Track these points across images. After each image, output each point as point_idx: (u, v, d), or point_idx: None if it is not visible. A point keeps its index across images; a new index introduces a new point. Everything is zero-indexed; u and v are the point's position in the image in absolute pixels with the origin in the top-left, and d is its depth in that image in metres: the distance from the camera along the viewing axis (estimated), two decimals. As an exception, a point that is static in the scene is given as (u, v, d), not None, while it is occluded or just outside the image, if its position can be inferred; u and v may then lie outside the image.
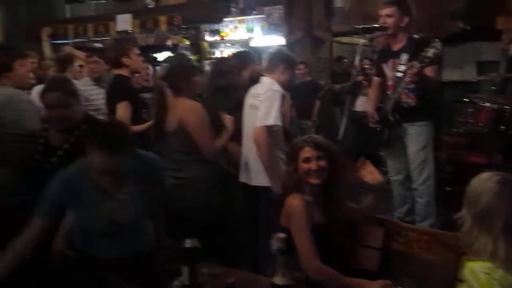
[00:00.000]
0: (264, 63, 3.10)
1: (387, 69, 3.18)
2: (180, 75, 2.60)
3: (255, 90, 2.87)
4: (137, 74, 3.87)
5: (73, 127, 2.25)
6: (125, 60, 3.20)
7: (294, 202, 1.97)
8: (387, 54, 3.18)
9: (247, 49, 5.76)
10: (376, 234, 2.16)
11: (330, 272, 1.85)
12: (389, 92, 3.14)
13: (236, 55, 3.75)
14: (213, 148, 2.57)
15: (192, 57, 7.62)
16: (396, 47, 3.11)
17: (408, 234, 2.10)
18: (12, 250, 1.79)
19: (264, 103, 2.67)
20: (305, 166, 2.01)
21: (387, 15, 3.06)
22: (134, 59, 3.26)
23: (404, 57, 2.99)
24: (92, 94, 3.63)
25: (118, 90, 3.15)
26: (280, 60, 2.86)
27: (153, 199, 2.04)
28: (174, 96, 2.58)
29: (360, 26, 3.04)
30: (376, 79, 3.35)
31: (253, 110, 2.77)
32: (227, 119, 2.78)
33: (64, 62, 3.93)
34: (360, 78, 5.33)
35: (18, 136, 2.35)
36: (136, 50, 3.34)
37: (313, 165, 2.00)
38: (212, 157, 2.58)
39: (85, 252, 1.99)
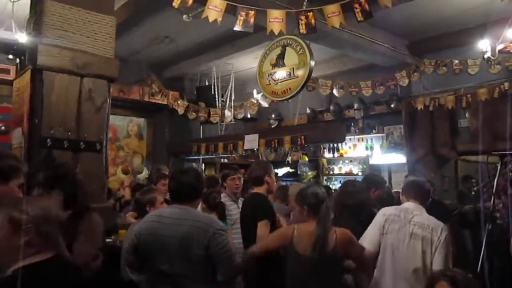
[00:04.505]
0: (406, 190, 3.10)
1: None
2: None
3: (418, 218, 2.84)
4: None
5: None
6: (267, 178, 3.38)
7: None
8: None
9: (374, 173, 5.86)
10: None
11: None
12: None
13: (365, 179, 3.87)
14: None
15: (310, 173, 7.95)
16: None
17: None
18: None
19: (444, 247, 2.69)
20: None
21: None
22: (273, 178, 3.46)
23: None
24: (231, 209, 3.87)
25: (261, 208, 3.22)
26: (429, 196, 3.00)
27: None
28: None
29: (497, 153, 2.93)
30: None
31: (418, 241, 2.76)
32: None
33: None
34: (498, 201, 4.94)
35: None
36: (273, 171, 3.55)
37: None
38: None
39: None
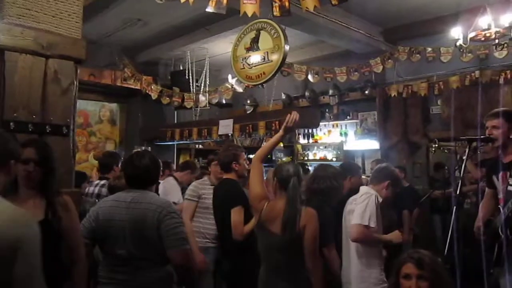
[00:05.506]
0: (370, 175, 3.18)
1: (497, 181, 3.00)
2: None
3: (354, 197, 2.99)
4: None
5: None
6: (234, 165, 3.35)
7: None
8: (497, 166, 3.02)
9: (352, 162, 5.92)
10: None
11: None
12: (500, 206, 2.93)
13: (341, 166, 3.88)
14: (315, 257, 2.56)
15: (285, 158, 7.95)
16: (507, 159, 2.95)
17: None
18: None
19: (360, 204, 2.79)
20: (405, 283, 1.89)
21: (493, 126, 2.96)
22: (242, 164, 3.39)
23: (517, 170, 2.83)
24: (206, 194, 3.71)
25: (232, 195, 3.21)
26: (387, 177, 2.98)
27: None
28: None
29: (465, 137, 2.97)
30: (488, 191, 3.16)
31: (350, 215, 2.89)
32: None
33: None
34: (467, 188, 5.07)
35: None
36: (244, 156, 3.50)
37: (412, 285, 1.87)
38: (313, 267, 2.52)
39: None
